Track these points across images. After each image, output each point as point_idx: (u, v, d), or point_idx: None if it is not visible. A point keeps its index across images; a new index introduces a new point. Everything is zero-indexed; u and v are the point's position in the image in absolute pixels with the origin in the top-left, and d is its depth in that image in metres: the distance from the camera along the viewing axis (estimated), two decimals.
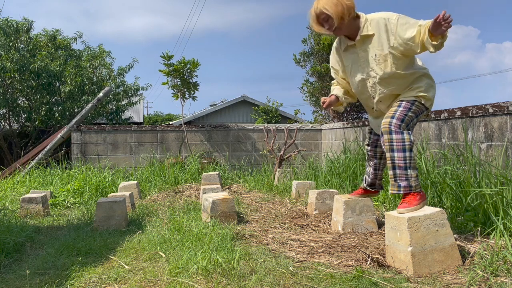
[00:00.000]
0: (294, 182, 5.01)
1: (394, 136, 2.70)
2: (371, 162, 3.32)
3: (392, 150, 2.70)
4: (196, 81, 7.55)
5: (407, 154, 2.69)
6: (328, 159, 6.45)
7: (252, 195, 5.33)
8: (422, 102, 2.82)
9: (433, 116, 4.82)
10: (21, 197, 4.40)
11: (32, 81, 9.61)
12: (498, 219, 2.79)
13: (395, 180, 2.72)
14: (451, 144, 4.47)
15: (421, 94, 2.81)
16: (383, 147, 2.78)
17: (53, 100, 10.22)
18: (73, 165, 7.13)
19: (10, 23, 9.90)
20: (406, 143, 2.68)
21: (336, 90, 3.27)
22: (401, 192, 2.71)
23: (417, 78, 2.87)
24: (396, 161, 2.70)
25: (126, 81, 11.86)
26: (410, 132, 2.76)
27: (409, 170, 2.70)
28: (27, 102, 10.11)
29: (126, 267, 2.53)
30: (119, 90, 11.57)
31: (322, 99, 3.23)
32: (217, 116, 19.46)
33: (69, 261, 2.69)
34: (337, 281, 2.23)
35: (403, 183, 2.71)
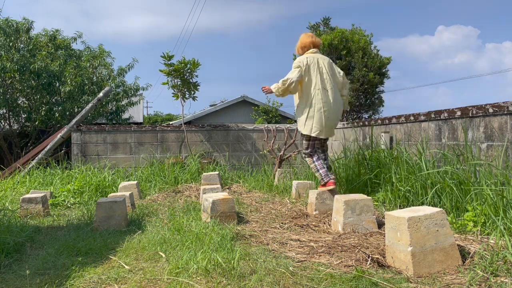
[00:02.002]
0: (294, 182, 5.01)
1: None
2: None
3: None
4: (196, 81, 7.55)
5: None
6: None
7: (252, 195, 5.32)
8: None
9: (433, 116, 4.82)
10: (21, 197, 4.40)
11: (32, 81, 9.61)
12: (498, 219, 2.79)
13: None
14: (451, 144, 4.47)
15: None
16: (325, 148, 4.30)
17: (53, 100, 10.23)
18: (73, 165, 7.13)
19: (10, 23, 9.90)
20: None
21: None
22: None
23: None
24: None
25: (126, 81, 11.87)
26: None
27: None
28: (27, 102, 10.11)
29: (126, 267, 2.53)
30: (119, 90, 11.57)
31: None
32: (217, 116, 19.46)
33: (69, 261, 2.69)
34: (337, 281, 2.23)
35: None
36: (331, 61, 4.25)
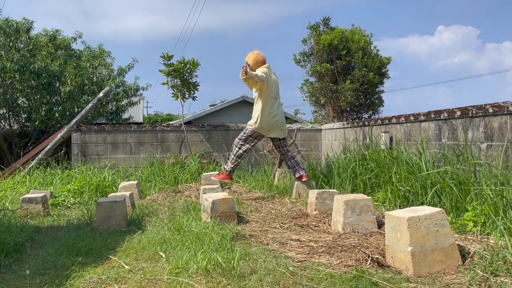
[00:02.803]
0: (294, 182, 5.01)
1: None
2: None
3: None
4: (196, 81, 7.55)
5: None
6: (328, 159, 6.46)
7: (252, 195, 5.32)
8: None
9: (433, 116, 4.82)
10: (21, 197, 4.40)
11: (32, 81, 9.61)
12: (498, 219, 2.79)
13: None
14: (451, 144, 4.47)
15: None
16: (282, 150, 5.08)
17: (53, 100, 10.23)
18: (73, 165, 7.13)
19: (10, 23, 9.90)
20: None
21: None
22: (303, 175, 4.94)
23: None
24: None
25: (126, 81, 11.87)
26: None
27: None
28: (27, 102, 10.11)
29: (126, 267, 2.53)
30: (119, 90, 11.57)
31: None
32: (217, 116, 19.45)
33: (69, 261, 2.69)
34: (337, 281, 2.23)
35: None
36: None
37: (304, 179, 4.90)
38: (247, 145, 4.87)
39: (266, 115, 4.75)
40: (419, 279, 2.26)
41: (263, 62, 4.89)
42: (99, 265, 2.60)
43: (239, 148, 4.87)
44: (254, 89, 4.82)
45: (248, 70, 4.54)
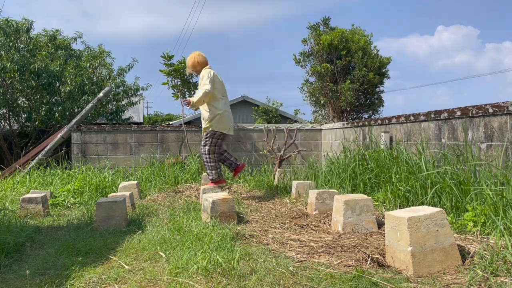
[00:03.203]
0: (294, 182, 5.01)
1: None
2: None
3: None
4: (196, 81, 7.55)
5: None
6: (328, 159, 6.46)
7: (252, 195, 5.33)
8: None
9: (433, 116, 4.82)
10: (21, 197, 4.40)
11: (32, 81, 9.61)
12: (498, 219, 2.79)
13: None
14: (451, 144, 4.47)
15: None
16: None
17: (53, 100, 10.22)
18: (73, 165, 7.13)
19: (10, 23, 9.89)
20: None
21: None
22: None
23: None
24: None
25: (126, 81, 11.85)
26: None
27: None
28: (27, 102, 10.11)
29: (126, 267, 2.53)
30: (119, 90, 11.57)
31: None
32: None
33: (69, 261, 2.69)
34: (337, 281, 2.23)
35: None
36: None
37: (241, 167, 5.06)
38: (213, 147, 4.87)
39: (224, 113, 4.85)
40: (419, 279, 2.26)
41: (204, 64, 4.91)
42: (99, 265, 2.60)
43: (208, 154, 4.85)
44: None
45: (189, 100, 4.68)
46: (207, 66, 4.92)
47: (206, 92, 4.66)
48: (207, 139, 4.84)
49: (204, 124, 4.90)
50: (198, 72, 4.94)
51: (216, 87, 4.81)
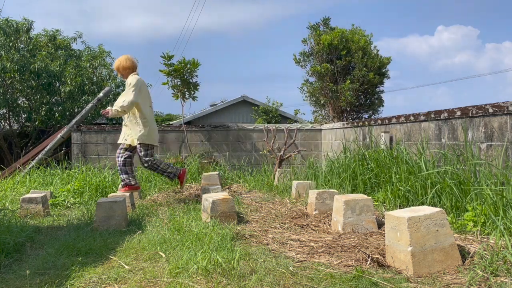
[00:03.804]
0: (294, 182, 5.01)
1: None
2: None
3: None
4: (196, 81, 7.55)
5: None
6: (328, 159, 6.46)
7: (252, 195, 5.33)
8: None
9: (433, 116, 4.82)
10: (21, 197, 4.40)
11: (32, 81, 9.61)
12: (498, 219, 2.79)
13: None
14: (451, 144, 4.47)
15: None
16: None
17: (53, 100, 10.22)
18: (73, 165, 7.13)
19: (10, 23, 9.90)
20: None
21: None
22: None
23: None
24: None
25: None
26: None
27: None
28: (27, 102, 10.11)
29: (126, 267, 2.53)
30: (119, 90, 11.57)
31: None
32: (217, 116, 19.45)
33: (69, 261, 2.69)
34: (337, 281, 2.23)
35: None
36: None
37: (135, 189, 4.85)
38: (155, 155, 4.80)
39: (153, 125, 4.73)
40: (419, 279, 2.26)
41: (131, 69, 4.72)
42: (99, 265, 2.60)
43: (157, 164, 4.75)
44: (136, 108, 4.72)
45: (110, 110, 4.50)
46: (135, 73, 4.72)
47: (131, 102, 4.49)
48: (146, 152, 4.70)
49: (133, 135, 4.67)
50: (125, 77, 4.75)
51: (144, 96, 4.65)
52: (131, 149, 4.80)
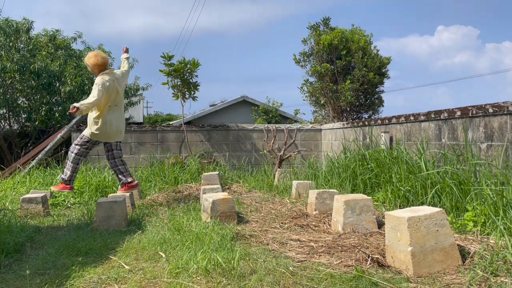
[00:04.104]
0: (294, 182, 5.01)
1: None
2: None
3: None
4: (197, 81, 7.55)
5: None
6: (328, 159, 6.46)
7: (252, 195, 5.33)
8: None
9: (433, 116, 4.82)
10: (21, 197, 4.40)
11: (32, 81, 9.60)
12: (498, 219, 2.79)
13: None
14: (451, 144, 4.47)
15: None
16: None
17: (53, 100, 10.22)
18: None
19: (10, 23, 9.89)
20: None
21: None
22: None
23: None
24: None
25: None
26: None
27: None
28: (27, 102, 10.11)
29: (126, 267, 2.53)
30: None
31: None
32: (217, 116, 19.45)
33: (69, 261, 2.69)
34: (337, 281, 2.23)
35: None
36: (119, 73, 4.84)
37: (134, 186, 4.76)
38: (83, 150, 4.66)
39: (105, 124, 4.55)
40: (419, 279, 2.26)
41: (103, 66, 4.63)
42: (99, 265, 2.60)
43: (75, 154, 4.64)
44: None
45: (77, 107, 4.33)
46: (104, 72, 4.60)
47: (95, 101, 4.40)
48: (81, 138, 4.65)
49: (88, 127, 4.65)
50: (96, 74, 4.66)
51: (107, 95, 4.52)
52: (107, 148, 4.79)
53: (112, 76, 4.66)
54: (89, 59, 4.64)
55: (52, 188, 4.77)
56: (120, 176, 4.74)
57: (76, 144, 4.67)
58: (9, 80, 9.61)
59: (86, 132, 4.66)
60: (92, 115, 4.61)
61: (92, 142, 4.69)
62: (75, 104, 4.45)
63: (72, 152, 4.66)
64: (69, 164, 4.66)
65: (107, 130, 4.60)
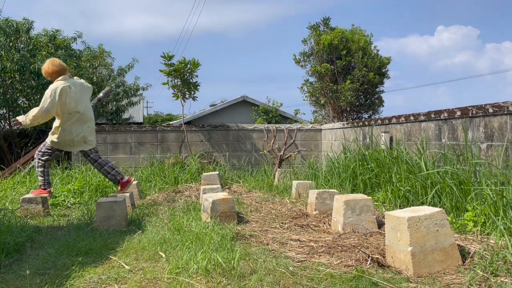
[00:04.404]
0: (294, 182, 5.01)
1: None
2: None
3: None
4: (197, 81, 7.55)
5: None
6: (328, 159, 6.46)
7: (252, 195, 5.33)
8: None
9: (433, 116, 4.82)
10: (21, 197, 4.40)
11: (32, 81, 9.60)
12: (498, 219, 2.79)
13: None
14: (451, 144, 4.47)
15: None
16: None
17: None
18: (73, 165, 7.13)
19: (10, 23, 9.89)
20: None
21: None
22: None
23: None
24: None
25: (126, 81, 11.85)
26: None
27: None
28: (27, 102, 10.10)
29: (126, 267, 2.53)
30: (119, 90, 11.57)
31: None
32: (217, 116, 19.46)
33: (69, 261, 2.69)
34: (337, 281, 2.23)
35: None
36: (82, 82, 4.74)
37: (128, 182, 4.69)
38: (47, 157, 4.58)
39: (64, 132, 4.44)
40: (419, 279, 2.26)
41: (58, 73, 4.53)
42: (99, 265, 2.60)
43: (40, 160, 4.56)
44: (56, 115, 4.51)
45: (20, 120, 4.32)
46: (60, 78, 4.49)
47: (42, 111, 4.31)
48: (44, 145, 4.59)
49: (49, 135, 4.58)
50: (54, 80, 4.54)
51: (62, 103, 4.36)
52: (83, 154, 4.72)
53: (70, 82, 4.51)
54: (44, 67, 4.57)
55: (31, 194, 4.56)
56: (109, 176, 4.67)
57: (39, 151, 4.60)
58: (9, 80, 9.61)
59: (48, 140, 4.57)
60: (55, 123, 4.50)
61: (54, 149, 4.59)
62: (18, 118, 4.42)
63: (37, 158, 4.60)
64: (37, 171, 4.62)
65: (67, 138, 4.46)
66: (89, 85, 4.90)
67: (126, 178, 4.70)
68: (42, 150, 4.60)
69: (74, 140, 4.51)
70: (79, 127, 4.52)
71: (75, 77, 4.78)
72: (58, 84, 4.43)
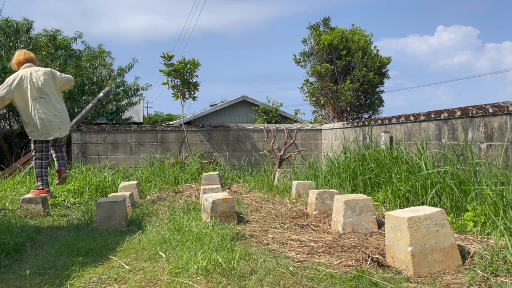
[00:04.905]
0: (294, 182, 5.01)
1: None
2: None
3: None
4: (197, 81, 7.55)
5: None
6: (328, 159, 6.46)
7: (252, 195, 5.33)
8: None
9: (433, 116, 4.82)
10: (21, 197, 4.40)
11: None
12: (498, 219, 2.79)
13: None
14: (451, 144, 4.47)
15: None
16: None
17: None
18: (73, 165, 7.13)
19: (10, 23, 9.89)
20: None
21: None
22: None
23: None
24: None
25: (126, 81, 11.86)
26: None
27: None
28: None
29: (126, 267, 2.53)
30: (119, 90, 11.57)
31: None
32: (217, 116, 19.46)
33: (69, 261, 2.69)
34: (337, 281, 2.23)
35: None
36: (48, 70, 4.66)
37: (63, 176, 4.74)
38: (39, 154, 4.56)
39: (33, 119, 4.41)
40: (419, 279, 2.26)
41: (19, 63, 4.58)
42: (99, 265, 2.60)
43: (35, 159, 4.56)
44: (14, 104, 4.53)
45: None
46: (23, 66, 4.54)
47: None
48: (33, 146, 4.57)
49: (27, 131, 4.56)
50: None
51: (21, 92, 4.39)
52: (52, 143, 4.77)
53: (30, 69, 4.54)
54: (12, 60, 4.67)
55: (31, 194, 4.54)
56: (60, 162, 4.75)
57: (32, 151, 4.61)
58: None
59: (30, 137, 4.55)
60: (23, 113, 4.48)
61: (39, 142, 4.53)
62: None
63: (33, 161, 4.60)
64: (35, 172, 4.61)
65: (39, 124, 4.42)
66: (50, 70, 4.77)
67: (45, 188, 4.57)
68: (32, 149, 4.64)
69: (46, 125, 4.45)
70: (48, 111, 4.48)
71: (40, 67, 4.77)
72: (16, 73, 4.50)
